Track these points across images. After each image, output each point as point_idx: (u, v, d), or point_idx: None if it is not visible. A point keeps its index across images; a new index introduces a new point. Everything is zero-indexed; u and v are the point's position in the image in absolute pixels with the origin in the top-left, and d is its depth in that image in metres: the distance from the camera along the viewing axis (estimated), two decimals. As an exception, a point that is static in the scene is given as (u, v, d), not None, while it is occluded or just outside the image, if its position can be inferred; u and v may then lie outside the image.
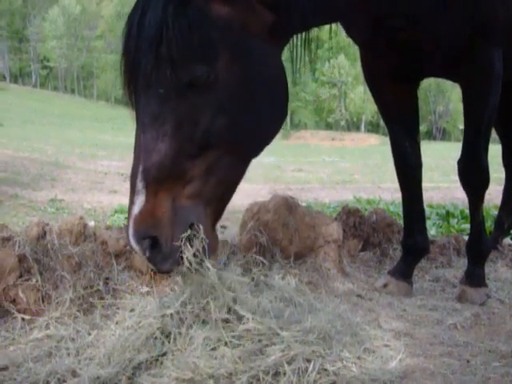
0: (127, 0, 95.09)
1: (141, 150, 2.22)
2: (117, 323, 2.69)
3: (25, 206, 12.65)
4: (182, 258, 2.26)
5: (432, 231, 7.38)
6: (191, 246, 2.24)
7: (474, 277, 3.90)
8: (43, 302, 2.95)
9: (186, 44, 2.15)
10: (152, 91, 2.20)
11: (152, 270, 2.36)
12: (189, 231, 2.24)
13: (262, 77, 2.37)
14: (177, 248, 2.22)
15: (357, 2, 2.76)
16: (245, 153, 2.47)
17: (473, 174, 3.64)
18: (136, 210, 2.19)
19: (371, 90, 3.86)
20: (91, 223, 11.23)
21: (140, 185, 2.19)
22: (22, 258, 2.95)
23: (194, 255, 2.27)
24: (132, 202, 2.21)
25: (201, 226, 2.26)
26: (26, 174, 17.29)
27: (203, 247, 2.27)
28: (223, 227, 9.43)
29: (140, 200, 2.19)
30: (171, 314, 2.40)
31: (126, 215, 2.24)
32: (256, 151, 2.53)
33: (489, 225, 6.81)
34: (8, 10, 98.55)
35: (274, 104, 2.45)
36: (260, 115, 2.39)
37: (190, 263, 2.27)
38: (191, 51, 2.16)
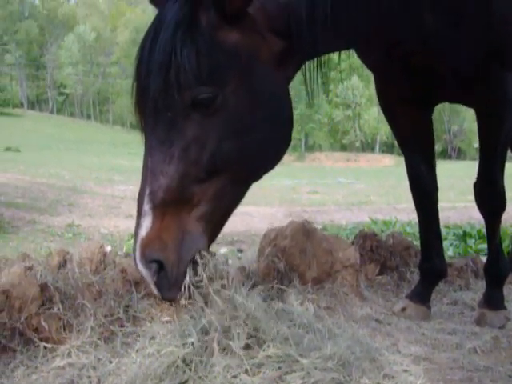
0: (142, 27, 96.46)
1: (148, 173, 2.25)
2: (137, 351, 2.70)
3: (42, 232, 12.75)
4: (196, 284, 2.27)
5: (449, 252, 7.34)
6: (197, 273, 2.24)
7: (493, 299, 3.89)
8: (65, 330, 2.97)
9: (194, 69, 2.19)
10: (160, 115, 2.24)
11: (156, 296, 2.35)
12: (197, 257, 2.26)
13: (268, 104, 2.39)
14: (183, 275, 2.24)
15: (370, 29, 2.76)
16: (247, 177, 2.49)
17: (489, 197, 3.65)
18: (143, 232, 2.20)
19: (386, 115, 3.89)
20: (108, 248, 11.29)
21: (147, 207, 2.21)
22: (43, 287, 2.99)
23: (211, 280, 2.28)
24: (139, 225, 2.22)
25: (208, 253, 2.28)
26: (44, 200, 17.45)
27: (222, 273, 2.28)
28: (240, 251, 9.45)
29: (147, 223, 2.20)
30: (192, 343, 2.41)
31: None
32: (258, 176, 2.55)
33: (506, 244, 6.77)
34: (26, 39, 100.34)
35: (278, 131, 2.47)
36: (264, 141, 2.41)
37: (206, 288, 2.27)
38: (199, 76, 2.20)
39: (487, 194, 3.65)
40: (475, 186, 3.68)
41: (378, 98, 3.85)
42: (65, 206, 16.77)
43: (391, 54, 3.28)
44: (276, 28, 2.41)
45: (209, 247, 2.41)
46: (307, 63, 2.71)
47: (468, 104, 3.72)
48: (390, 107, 3.86)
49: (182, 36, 2.19)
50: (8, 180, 21.23)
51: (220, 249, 10.17)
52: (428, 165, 3.88)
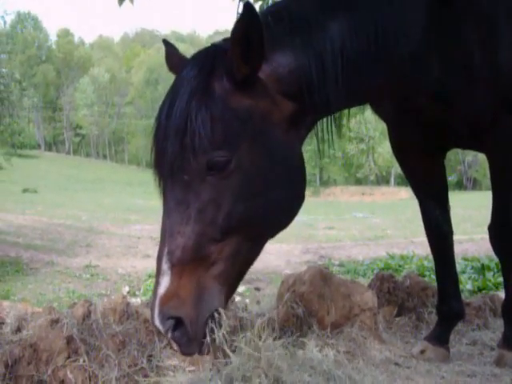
0: (155, 67, 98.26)
1: (166, 233, 2.31)
2: (162, 401, 2.77)
3: (61, 273, 12.86)
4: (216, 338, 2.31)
5: (468, 285, 7.30)
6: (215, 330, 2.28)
7: (512, 340, 3.88)
8: (90, 381, 3.03)
9: (208, 134, 2.27)
10: (177, 177, 2.31)
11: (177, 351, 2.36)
12: (215, 315, 2.30)
13: (280, 165, 2.45)
14: (201, 330, 2.28)
15: (382, 84, 2.84)
16: (262, 235, 2.55)
17: (504, 239, 3.67)
18: (161, 290, 2.25)
19: (399, 162, 3.98)
20: (125, 288, 11.29)
21: (165, 266, 2.26)
22: (69, 340, 3.06)
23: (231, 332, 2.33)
24: (157, 283, 2.27)
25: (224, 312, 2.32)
26: (62, 241, 17.61)
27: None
28: (257, 289, 9.48)
29: (165, 281, 2.25)
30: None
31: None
32: (273, 234, 2.61)
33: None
34: (43, 82, 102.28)
35: (291, 191, 2.54)
36: (278, 201, 2.47)
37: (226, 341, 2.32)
38: (213, 141, 2.28)
39: (502, 237, 3.67)
40: (489, 228, 3.71)
41: (392, 147, 3.93)
42: (82, 246, 16.90)
43: (403, 107, 3.38)
44: (287, 91, 2.49)
45: (227, 303, 2.46)
46: (319, 123, 2.79)
47: (480, 150, 3.77)
48: (402, 155, 3.94)
49: (197, 103, 2.29)
50: (26, 221, 21.50)
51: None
52: (442, 209, 3.93)
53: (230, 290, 2.45)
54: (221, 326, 2.27)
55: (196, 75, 2.35)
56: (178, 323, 2.25)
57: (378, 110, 3.79)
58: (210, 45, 2.56)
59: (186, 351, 2.32)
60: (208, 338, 2.29)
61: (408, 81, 2.97)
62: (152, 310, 2.26)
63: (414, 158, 3.86)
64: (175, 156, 2.29)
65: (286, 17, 2.53)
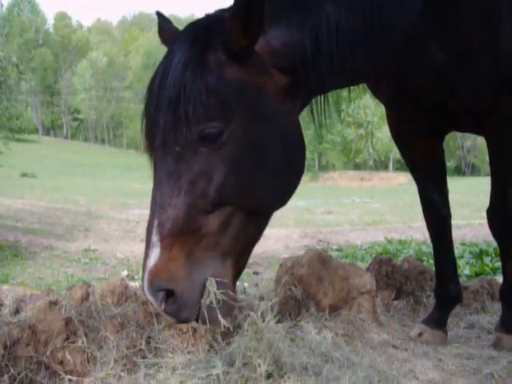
0: (153, 51, 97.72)
1: (156, 206, 2.29)
2: (160, 382, 2.78)
3: (59, 257, 12.86)
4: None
5: (466, 270, 7.31)
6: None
7: (510, 323, 3.88)
8: (88, 362, 3.05)
9: (202, 105, 2.25)
10: (169, 149, 2.29)
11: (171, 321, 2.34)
12: (207, 284, 2.27)
13: (276, 137, 2.43)
14: (195, 299, 2.26)
15: (378, 65, 2.82)
16: (260, 210, 2.50)
17: (502, 223, 3.67)
18: (151, 263, 2.23)
19: (397, 145, 3.97)
20: (124, 272, 11.34)
21: (155, 239, 2.24)
22: (68, 321, 3.07)
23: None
24: (147, 256, 2.25)
25: (215, 280, 2.28)
26: (60, 225, 17.62)
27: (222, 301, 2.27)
28: (256, 273, 9.49)
29: (155, 253, 2.23)
30: (217, 375, 2.47)
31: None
32: (272, 209, 2.57)
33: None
34: (41, 65, 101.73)
35: (289, 163, 2.50)
36: (275, 174, 2.45)
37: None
38: (207, 111, 2.26)
39: (500, 220, 3.67)
40: (488, 212, 3.72)
41: (390, 130, 3.92)
42: (81, 231, 16.90)
43: (401, 89, 3.36)
44: (281, 64, 2.48)
45: (235, 278, 2.44)
46: (317, 106, 2.80)
47: (479, 133, 3.77)
48: (401, 138, 3.94)
49: (191, 73, 2.27)
50: (24, 206, 21.49)
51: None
52: (440, 192, 3.94)
53: (235, 266, 2.40)
54: (214, 293, 2.24)
55: (189, 46, 2.32)
56: (169, 295, 2.22)
57: (376, 93, 3.77)
58: (204, 15, 2.55)
59: (180, 317, 2.29)
60: (203, 305, 2.26)
61: (405, 63, 2.95)
62: (142, 282, 2.24)
63: (413, 141, 3.85)
64: (167, 127, 2.27)
65: None
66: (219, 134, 2.29)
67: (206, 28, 2.40)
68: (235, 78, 2.35)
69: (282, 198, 2.57)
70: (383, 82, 3.37)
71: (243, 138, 2.33)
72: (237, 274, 2.47)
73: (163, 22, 2.78)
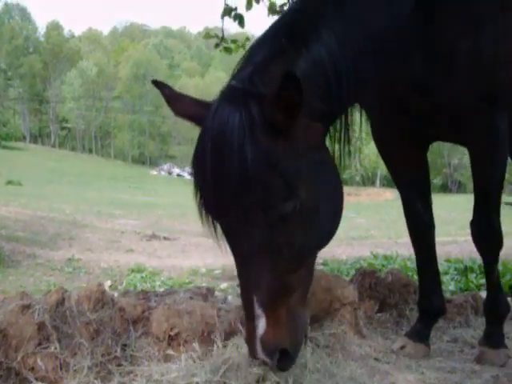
0: (142, 62, 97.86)
1: (249, 282, 2.44)
2: (134, 391, 2.70)
3: (42, 266, 12.75)
4: None
5: (450, 286, 7.32)
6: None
7: (493, 337, 3.86)
8: (61, 369, 2.96)
9: (273, 189, 2.33)
10: (245, 230, 2.37)
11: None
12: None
13: (327, 185, 2.60)
14: (301, 349, 2.55)
15: (378, 80, 2.91)
16: (321, 249, 2.72)
17: (486, 236, 3.65)
18: (261, 331, 2.39)
19: (381, 155, 3.95)
20: (108, 282, 11.22)
21: (259, 311, 2.40)
22: (41, 326, 2.99)
23: None
24: (255, 326, 2.40)
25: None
26: (44, 234, 17.48)
27: None
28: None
29: (262, 323, 2.39)
30: (197, 383, 2.44)
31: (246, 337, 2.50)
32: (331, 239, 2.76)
33: (508, 279, 6.74)
34: (29, 72, 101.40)
35: (338, 201, 2.68)
36: (332, 217, 2.66)
37: None
38: (278, 194, 2.34)
39: (484, 233, 3.65)
40: (471, 224, 3.70)
41: (374, 139, 3.90)
42: (65, 239, 16.79)
43: (385, 96, 3.35)
44: (315, 113, 2.53)
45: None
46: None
47: (461, 143, 3.76)
48: (385, 147, 3.92)
49: (253, 162, 2.28)
50: (9, 213, 21.29)
51: (221, 284, 10.15)
52: (424, 202, 3.91)
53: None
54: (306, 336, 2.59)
55: (238, 129, 2.31)
56: (283, 353, 2.42)
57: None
58: (230, 86, 2.52)
59: (289, 368, 2.55)
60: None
61: (390, 71, 2.97)
62: (254, 347, 2.41)
63: (397, 151, 3.83)
64: (242, 216, 2.33)
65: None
66: (294, 208, 2.39)
67: (246, 106, 2.37)
68: (289, 150, 2.40)
69: (338, 225, 2.74)
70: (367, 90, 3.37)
71: (309, 200, 2.44)
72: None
73: (168, 91, 2.64)
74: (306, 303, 2.60)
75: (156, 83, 2.67)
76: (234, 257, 2.49)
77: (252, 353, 2.43)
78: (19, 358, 2.88)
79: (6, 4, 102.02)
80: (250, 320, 2.43)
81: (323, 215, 2.55)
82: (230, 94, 2.47)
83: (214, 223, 2.51)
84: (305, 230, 2.46)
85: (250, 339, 2.42)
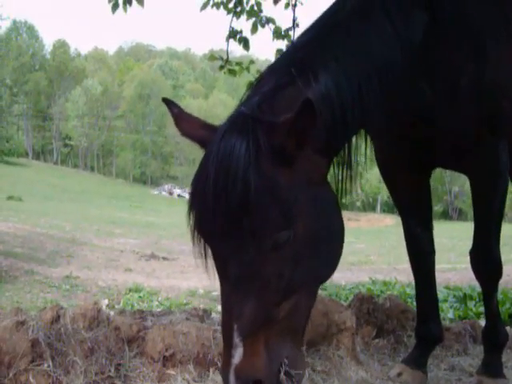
0: (147, 83, 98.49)
1: (232, 309, 2.35)
2: (127, 412, 2.67)
3: (40, 283, 12.70)
4: None
5: (450, 314, 7.27)
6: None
7: (491, 366, 3.82)
8: (54, 387, 2.94)
9: (271, 218, 2.29)
10: (236, 256, 2.33)
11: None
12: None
13: (328, 217, 2.54)
14: (276, 380, 2.38)
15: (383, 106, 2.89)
16: (320, 284, 2.66)
17: (485, 264, 3.65)
18: (237, 360, 2.31)
19: (384, 179, 3.96)
20: (105, 301, 11.16)
21: (237, 340, 2.32)
22: (34, 343, 2.96)
23: None
24: (231, 355, 2.32)
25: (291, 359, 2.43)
26: (43, 250, 17.44)
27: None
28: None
29: (239, 353, 2.31)
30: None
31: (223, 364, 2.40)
32: (328, 278, 2.70)
33: (507, 307, 6.70)
34: (34, 89, 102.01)
35: (338, 234, 2.61)
36: (332, 251, 2.58)
37: None
38: (275, 223, 2.30)
39: (483, 262, 3.65)
40: (471, 252, 3.69)
41: (378, 165, 3.90)
42: (64, 257, 16.75)
43: (389, 122, 3.36)
44: (319, 148, 2.52)
45: (298, 349, 2.55)
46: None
47: (463, 171, 3.76)
48: (388, 172, 3.92)
49: (256, 189, 2.26)
50: (8, 229, 21.26)
51: (218, 306, 10.10)
52: (425, 228, 3.90)
53: (301, 336, 2.55)
54: (290, 374, 2.39)
55: (243, 154, 2.30)
56: (256, 382, 2.33)
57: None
58: (239, 112, 2.50)
59: None
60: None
61: (396, 99, 2.98)
62: (227, 376, 2.33)
63: (400, 177, 3.83)
64: (235, 241, 2.30)
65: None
66: (288, 238, 2.35)
67: (253, 132, 2.35)
68: (292, 181, 2.38)
69: (336, 266, 2.67)
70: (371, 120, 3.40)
71: (305, 233, 2.40)
72: (302, 341, 2.63)
73: (177, 110, 2.64)
74: (299, 337, 2.51)
75: (166, 101, 2.68)
76: (221, 281, 2.43)
77: (225, 382, 2.37)
78: (11, 375, 2.86)
79: (15, 22, 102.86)
80: (227, 348, 2.37)
81: (318, 253, 2.49)
82: (238, 119, 2.45)
83: (205, 245, 2.47)
84: (296, 264, 2.41)
85: (224, 368, 2.35)
